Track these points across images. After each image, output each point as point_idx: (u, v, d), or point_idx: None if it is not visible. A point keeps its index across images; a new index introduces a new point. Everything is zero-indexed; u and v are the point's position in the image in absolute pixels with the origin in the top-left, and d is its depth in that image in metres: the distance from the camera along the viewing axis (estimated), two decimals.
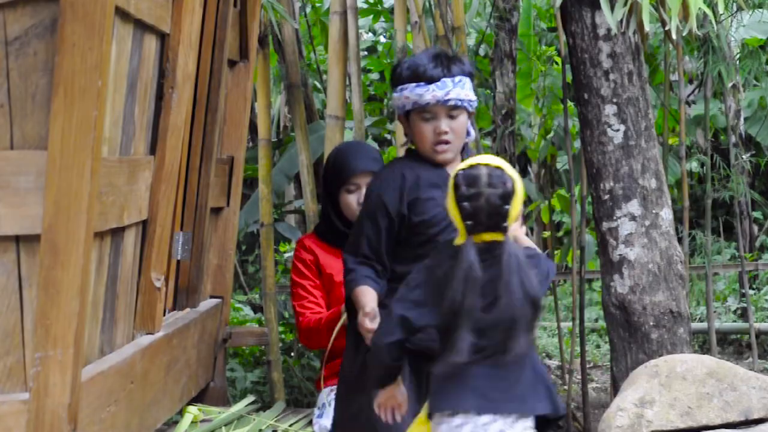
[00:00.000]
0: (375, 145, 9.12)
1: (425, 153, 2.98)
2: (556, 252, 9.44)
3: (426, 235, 2.92)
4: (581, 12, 4.67)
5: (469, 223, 2.52)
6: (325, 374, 3.56)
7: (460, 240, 2.56)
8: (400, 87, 2.97)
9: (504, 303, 2.49)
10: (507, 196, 2.52)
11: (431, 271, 2.60)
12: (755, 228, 9.09)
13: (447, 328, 2.53)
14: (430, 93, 2.92)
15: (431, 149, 2.96)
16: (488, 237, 2.53)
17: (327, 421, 3.40)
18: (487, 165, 2.55)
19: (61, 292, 2.30)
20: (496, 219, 2.51)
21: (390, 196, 2.92)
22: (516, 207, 2.57)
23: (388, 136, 8.40)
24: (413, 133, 2.98)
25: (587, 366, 6.14)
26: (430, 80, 2.93)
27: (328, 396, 3.48)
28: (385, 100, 9.26)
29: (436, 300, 2.55)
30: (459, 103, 2.94)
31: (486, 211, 2.51)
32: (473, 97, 3.03)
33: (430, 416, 2.58)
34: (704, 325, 6.57)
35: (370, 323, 2.79)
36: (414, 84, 2.93)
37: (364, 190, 3.42)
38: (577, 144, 7.09)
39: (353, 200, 3.51)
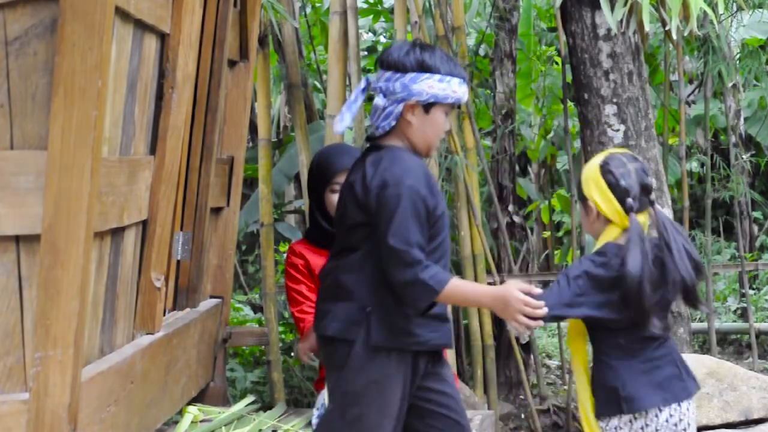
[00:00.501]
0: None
1: (423, 146, 2.89)
2: (556, 252, 9.44)
3: (436, 228, 2.84)
4: (581, 12, 4.68)
5: (630, 201, 2.74)
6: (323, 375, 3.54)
7: (612, 231, 2.78)
8: (440, 77, 2.81)
9: (671, 269, 2.70)
10: (647, 169, 2.83)
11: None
12: (755, 228, 9.08)
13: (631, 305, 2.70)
14: (464, 91, 2.88)
15: (435, 144, 2.93)
16: (642, 218, 2.77)
17: None
18: (612, 153, 2.87)
19: (61, 292, 2.30)
20: (647, 190, 2.77)
21: (425, 190, 2.80)
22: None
23: None
24: (426, 125, 2.86)
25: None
26: (463, 78, 2.89)
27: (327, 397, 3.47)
28: None
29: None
30: None
31: (639, 184, 2.76)
32: None
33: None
34: (704, 325, 6.58)
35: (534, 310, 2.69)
36: (458, 80, 2.84)
37: None
38: (577, 144, 7.10)
39: (336, 199, 3.50)
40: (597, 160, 2.88)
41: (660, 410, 2.75)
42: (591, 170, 2.85)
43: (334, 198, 3.46)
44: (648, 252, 2.70)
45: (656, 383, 2.75)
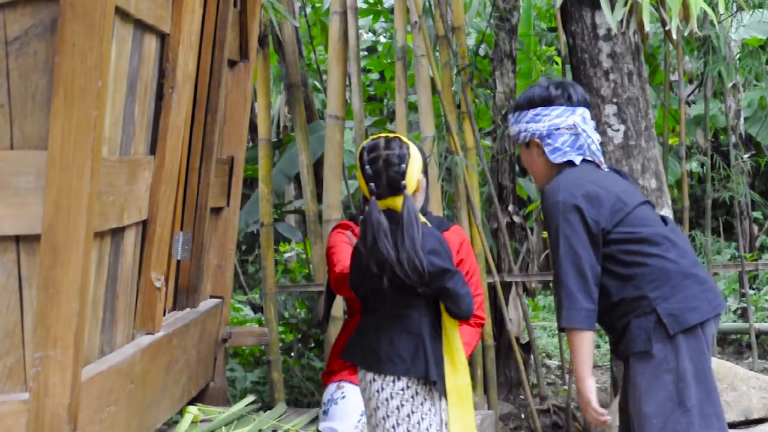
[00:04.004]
0: None
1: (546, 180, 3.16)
2: None
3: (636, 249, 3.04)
4: (581, 12, 4.68)
5: (371, 185, 2.82)
6: (336, 369, 3.51)
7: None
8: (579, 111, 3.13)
9: (405, 251, 2.75)
10: (402, 157, 2.84)
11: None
12: (755, 228, 9.08)
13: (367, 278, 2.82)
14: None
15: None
16: (391, 202, 2.83)
17: (333, 423, 3.35)
18: (386, 136, 2.91)
19: (61, 292, 2.30)
20: (395, 177, 2.81)
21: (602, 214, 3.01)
22: (412, 169, 2.86)
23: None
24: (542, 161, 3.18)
25: None
26: None
27: (335, 393, 3.44)
28: (385, 100, 9.26)
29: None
30: None
31: (385, 171, 2.82)
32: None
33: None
34: None
35: (598, 416, 3.06)
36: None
37: None
38: None
39: None
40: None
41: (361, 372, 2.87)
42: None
43: None
44: (379, 233, 2.79)
45: (360, 347, 2.87)
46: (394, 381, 2.81)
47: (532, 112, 3.15)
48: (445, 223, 3.55)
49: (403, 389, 2.81)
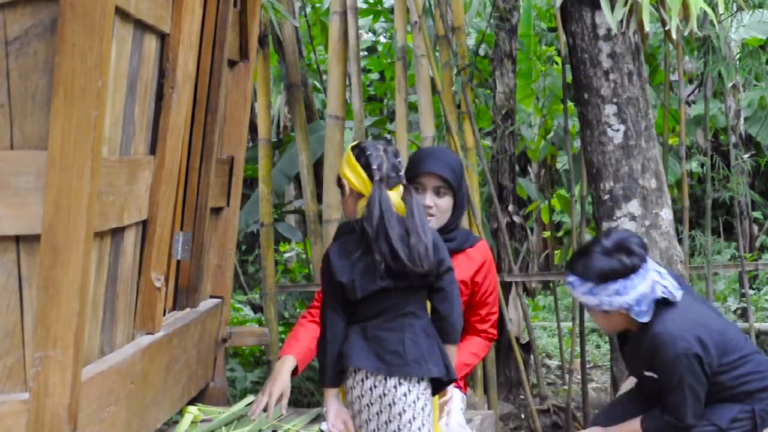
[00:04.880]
0: None
1: None
2: (556, 252, 9.44)
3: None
4: (581, 12, 4.68)
5: (375, 168, 2.86)
6: None
7: (363, 203, 2.88)
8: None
9: (414, 241, 2.79)
10: (398, 153, 2.96)
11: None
12: (755, 228, 9.09)
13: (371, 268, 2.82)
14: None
15: None
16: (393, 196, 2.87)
17: None
18: (369, 140, 3.01)
19: (61, 292, 2.30)
20: (397, 166, 2.90)
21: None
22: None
23: (388, 136, 8.39)
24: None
25: (587, 366, 6.14)
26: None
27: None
28: (385, 100, 9.26)
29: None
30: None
31: (387, 160, 2.89)
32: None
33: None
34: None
35: None
36: None
37: (429, 194, 3.37)
38: (577, 144, 7.10)
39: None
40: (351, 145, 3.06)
41: (367, 376, 2.85)
42: (345, 154, 3.00)
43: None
44: (381, 215, 2.81)
45: (373, 351, 2.84)
46: (419, 381, 2.85)
47: (613, 287, 3.25)
48: (471, 238, 3.54)
49: (426, 388, 2.87)
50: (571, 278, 3.35)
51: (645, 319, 3.29)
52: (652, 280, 3.27)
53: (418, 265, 2.80)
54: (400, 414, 2.83)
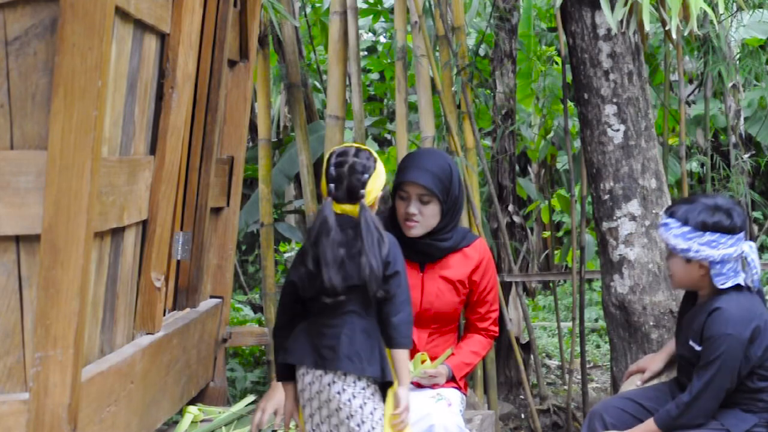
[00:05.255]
0: (375, 145, 9.13)
1: None
2: (556, 252, 9.44)
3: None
4: (581, 12, 4.67)
5: (331, 185, 2.89)
6: None
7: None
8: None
9: (362, 260, 2.80)
10: (367, 168, 2.90)
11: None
12: (755, 228, 9.08)
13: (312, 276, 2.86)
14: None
15: None
16: (347, 208, 2.87)
17: None
18: (357, 146, 2.98)
19: (61, 292, 2.30)
20: (356, 185, 2.87)
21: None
22: (374, 182, 2.91)
23: (388, 136, 8.41)
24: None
25: (587, 366, 6.14)
26: None
27: None
28: (385, 101, 9.26)
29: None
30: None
31: (348, 177, 2.88)
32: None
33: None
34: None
35: None
36: None
37: (413, 201, 3.39)
38: (577, 144, 7.10)
39: (401, 207, 3.44)
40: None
41: (307, 371, 2.89)
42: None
43: (399, 205, 3.44)
44: (324, 231, 2.86)
45: (313, 346, 2.88)
46: (355, 381, 2.84)
47: (708, 236, 3.32)
48: (469, 236, 3.55)
49: (363, 388, 2.85)
50: (668, 220, 3.40)
51: (720, 283, 3.34)
52: (743, 251, 3.35)
53: (339, 289, 2.83)
54: (336, 410, 2.84)
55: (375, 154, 2.97)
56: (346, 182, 2.88)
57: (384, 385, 2.90)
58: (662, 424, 3.36)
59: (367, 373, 2.83)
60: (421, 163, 3.43)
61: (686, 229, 3.35)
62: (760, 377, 3.34)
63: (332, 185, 2.89)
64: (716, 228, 3.32)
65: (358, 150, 2.95)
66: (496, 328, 3.62)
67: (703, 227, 3.32)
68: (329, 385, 2.84)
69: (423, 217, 3.40)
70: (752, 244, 3.41)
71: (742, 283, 3.37)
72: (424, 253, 3.46)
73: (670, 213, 3.42)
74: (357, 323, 2.86)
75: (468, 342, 3.57)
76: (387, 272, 2.85)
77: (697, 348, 3.36)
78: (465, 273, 3.49)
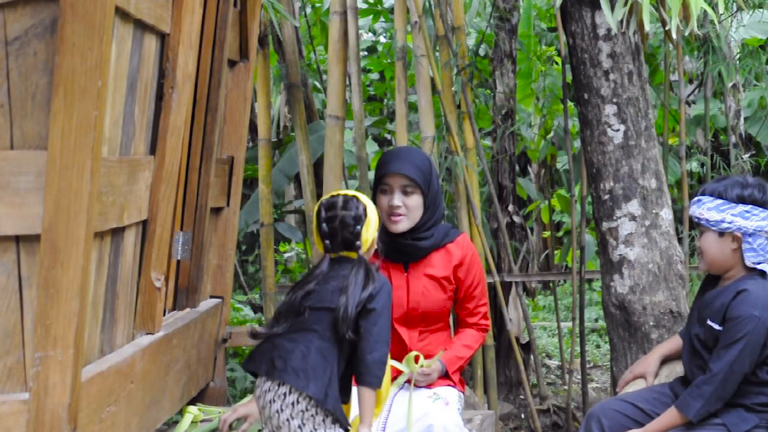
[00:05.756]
0: (375, 145, 9.13)
1: None
2: (556, 252, 9.44)
3: None
4: (581, 12, 4.67)
5: (327, 242, 2.92)
6: None
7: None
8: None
9: (341, 299, 2.82)
10: (359, 218, 2.91)
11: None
12: None
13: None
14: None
15: None
16: (345, 253, 2.91)
17: None
18: (344, 194, 2.97)
19: (61, 292, 2.30)
20: (350, 238, 2.90)
21: None
22: (367, 230, 2.93)
23: (388, 136, 8.41)
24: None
25: (587, 366, 6.14)
26: None
27: None
28: (385, 100, 9.26)
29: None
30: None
31: (341, 231, 2.90)
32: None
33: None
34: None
35: None
36: None
37: (397, 194, 3.41)
38: (577, 144, 7.10)
39: (384, 201, 3.47)
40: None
41: (264, 380, 2.91)
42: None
43: (382, 199, 3.45)
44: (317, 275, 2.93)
45: (270, 356, 2.91)
46: (294, 403, 2.83)
47: (742, 207, 3.37)
48: (452, 232, 3.56)
49: (303, 411, 2.83)
50: (701, 197, 3.45)
51: (751, 260, 3.38)
52: None
53: (303, 307, 2.89)
54: (288, 420, 2.84)
55: (364, 200, 2.96)
56: (340, 237, 2.91)
57: (333, 416, 2.85)
58: (686, 409, 3.34)
59: (308, 391, 2.79)
60: (402, 155, 3.48)
61: (720, 201, 3.39)
62: None
63: (327, 242, 2.92)
64: (750, 199, 3.37)
65: (345, 200, 2.94)
66: (487, 322, 3.62)
67: (738, 199, 3.38)
68: (270, 402, 2.84)
69: (408, 210, 3.42)
70: None
71: (767, 272, 3.41)
72: (407, 252, 3.46)
73: (702, 192, 3.47)
74: (315, 342, 2.85)
75: (460, 336, 3.58)
76: (366, 306, 2.84)
77: (717, 328, 3.36)
78: (449, 269, 3.51)
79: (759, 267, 3.40)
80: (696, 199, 3.47)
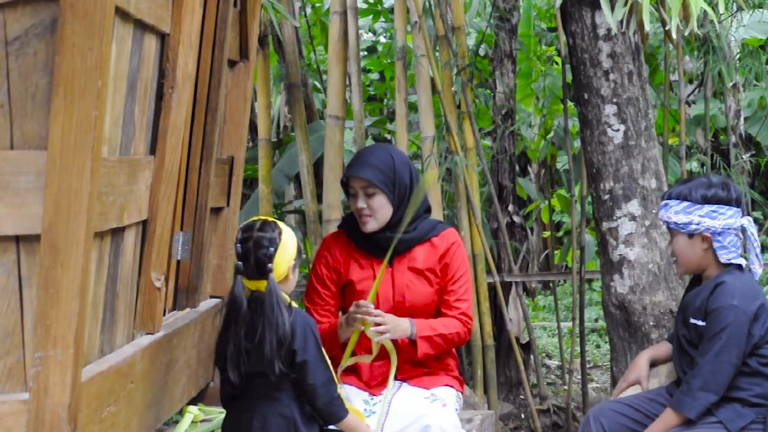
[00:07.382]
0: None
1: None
2: (556, 252, 9.44)
3: None
4: (581, 12, 4.68)
5: (239, 263, 2.88)
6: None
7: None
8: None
9: (264, 349, 2.81)
10: (272, 240, 2.88)
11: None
12: (755, 228, 9.06)
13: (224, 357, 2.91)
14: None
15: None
16: (255, 285, 2.88)
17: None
18: (264, 219, 2.97)
19: (61, 292, 2.29)
20: (262, 260, 2.86)
21: None
22: (282, 255, 2.90)
23: (388, 136, 8.41)
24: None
25: (587, 366, 6.14)
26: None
27: None
28: (385, 100, 9.26)
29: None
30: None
31: (254, 252, 2.86)
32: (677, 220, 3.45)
33: None
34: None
35: None
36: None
37: (360, 196, 3.43)
38: (577, 144, 7.10)
39: (352, 204, 3.50)
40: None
41: None
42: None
43: (351, 201, 3.50)
44: (233, 315, 2.92)
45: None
46: None
47: (708, 207, 3.39)
48: (438, 226, 3.56)
49: None
50: (667, 201, 3.47)
51: (724, 256, 3.39)
52: (743, 225, 3.42)
53: (238, 383, 2.89)
54: None
55: (281, 226, 2.96)
56: (253, 258, 2.88)
57: None
58: (680, 406, 3.34)
59: None
60: (362, 158, 3.50)
61: (686, 203, 3.40)
62: (760, 361, 3.34)
63: (240, 263, 2.90)
64: (715, 199, 3.39)
65: (263, 224, 2.94)
66: (468, 319, 3.52)
67: (703, 199, 3.39)
68: None
69: (373, 211, 3.44)
70: (750, 218, 3.46)
71: (743, 265, 3.43)
72: (385, 247, 3.45)
73: (668, 195, 3.48)
74: (270, 407, 2.88)
75: (440, 318, 3.53)
76: (295, 360, 2.85)
77: (701, 324, 3.37)
78: (433, 261, 3.50)
79: (735, 262, 3.42)
80: (663, 203, 3.48)
